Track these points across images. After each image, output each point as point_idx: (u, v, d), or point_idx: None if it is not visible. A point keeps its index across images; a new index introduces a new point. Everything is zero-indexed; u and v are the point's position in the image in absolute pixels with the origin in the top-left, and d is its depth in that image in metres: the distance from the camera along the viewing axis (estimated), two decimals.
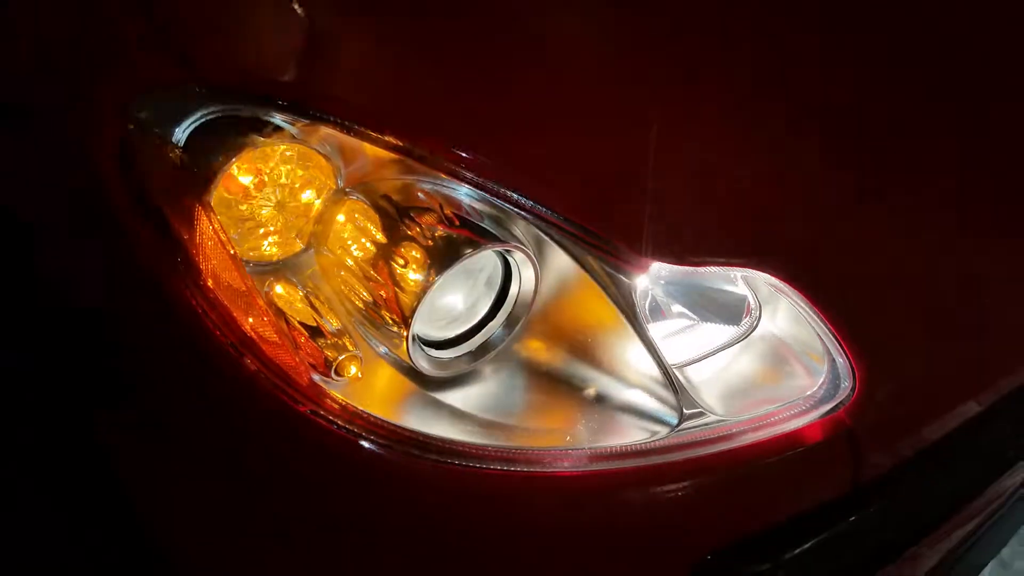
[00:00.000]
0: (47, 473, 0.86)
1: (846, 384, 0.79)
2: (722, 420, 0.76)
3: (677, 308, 0.79)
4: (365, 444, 0.68)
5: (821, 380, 0.80)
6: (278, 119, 0.68)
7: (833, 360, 0.80)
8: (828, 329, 0.78)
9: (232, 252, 0.67)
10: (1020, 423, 0.98)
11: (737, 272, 0.77)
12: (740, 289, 0.79)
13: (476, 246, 0.69)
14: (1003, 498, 1.19)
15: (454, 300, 0.75)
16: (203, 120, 0.66)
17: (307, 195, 0.71)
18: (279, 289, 0.72)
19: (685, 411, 0.75)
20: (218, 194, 0.67)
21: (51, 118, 0.68)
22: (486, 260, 0.74)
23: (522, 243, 0.72)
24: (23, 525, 0.91)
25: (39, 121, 0.70)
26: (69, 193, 0.69)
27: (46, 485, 0.87)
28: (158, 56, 0.67)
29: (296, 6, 0.75)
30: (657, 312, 0.78)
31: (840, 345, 0.79)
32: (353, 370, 0.70)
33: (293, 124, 0.68)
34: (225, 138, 0.66)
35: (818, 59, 0.92)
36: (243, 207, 0.69)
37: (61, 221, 0.71)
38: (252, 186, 0.69)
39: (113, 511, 0.80)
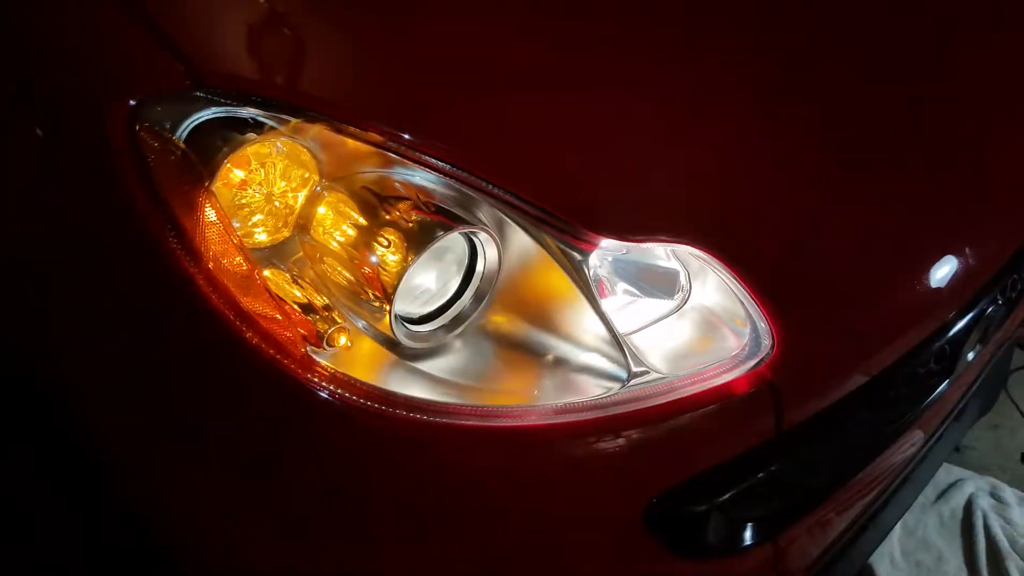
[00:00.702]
0: (52, 454, 0.91)
1: (766, 343, 0.90)
2: (664, 377, 0.87)
3: (622, 286, 0.91)
4: (357, 406, 0.76)
5: (745, 341, 0.91)
6: (269, 118, 0.77)
7: (754, 323, 0.92)
8: (749, 296, 0.91)
9: (233, 237, 0.75)
10: (916, 384, 1.13)
11: (670, 248, 0.89)
12: (674, 265, 0.91)
13: (448, 228, 0.79)
14: (906, 462, 1.34)
15: (426, 279, 0.85)
16: (203, 120, 0.74)
17: (294, 186, 0.80)
18: (269, 272, 0.80)
19: (633, 369, 0.85)
20: (217, 186, 0.75)
21: (70, 119, 0.75)
22: (454, 241, 0.84)
23: (486, 225, 0.82)
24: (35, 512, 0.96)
25: (58, 122, 0.76)
26: (85, 189, 0.75)
27: (51, 466, 0.92)
28: (163, 64, 0.74)
29: (285, 19, 0.85)
30: (606, 289, 0.89)
31: (759, 310, 0.91)
32: (343, 340, 0.78)
33: (283, 123, 0.77)
34: (223, 136, 0.74)
35: (745, 53, 1.06)
36: (238, 197, 0.77)
37: (79, 214, 0.77)
38: (247, 178, 0.77)
39: (113, 481, 0.86)
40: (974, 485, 1.90)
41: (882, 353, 1.02)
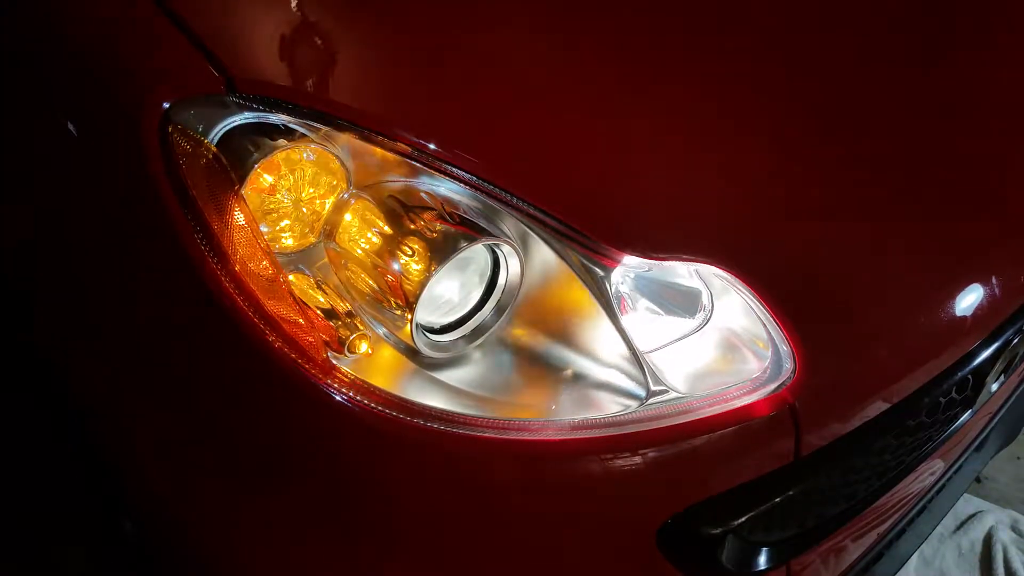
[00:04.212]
0: (71, 450, 0.92)
1: (788, 366, 0.90)
2: (683, 397, 0.87)
3: (644, 303, 0.90)
4: (376, 413, 0.76)
5: (766, 363, 0.91)
6: (300, 125, 0.77)
7: (776, 346, 0.91)
8: (771, 319, 0.90)
9: (261, 241, 0.75)
10: (938, 413, 1.12)
11: (693, 267, 0.89)
12: (696, 284, 0.91)
13: (472, 240, 0.79)
14: (924, 491, 1.33)
15: (449, 289, 0.85)
16: (235, 125, 0.75)
17: (322, 193, 0.81)
18: (294, 277, 0.80)
19: (652, 388, 0.85)
20: (247, 190, 0.75)
21: (104, 120, 0.77)
22: (477, 253, 0.84)
23: (510, 238, 0.82)
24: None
25: (92, 122, 0.78)
26: (117, 189, 0.77)
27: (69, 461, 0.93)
28: (197, 69, 0.76)
29: (318, 28, 0.86)
30: (627, 305, 0.89)
31: (782, 333, 0.90)
32: (364, 347, 0.78)
33: (313, 130, 0.78)
34: (255, 141, 0.75)
35: (774, 74, 1.06)
36: (267, 202, 0.78)
37: (109, 214, 0.79)
38: (276, 184, 0.78)
39: (133, 478, 0.87)
40: (994, 518, 1.87)
41: (904, 381, 1.01)
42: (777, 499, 0.91)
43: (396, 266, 0.79)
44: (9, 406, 1.07)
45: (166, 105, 0.74)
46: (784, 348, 0.90)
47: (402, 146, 0.80)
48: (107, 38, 0.78)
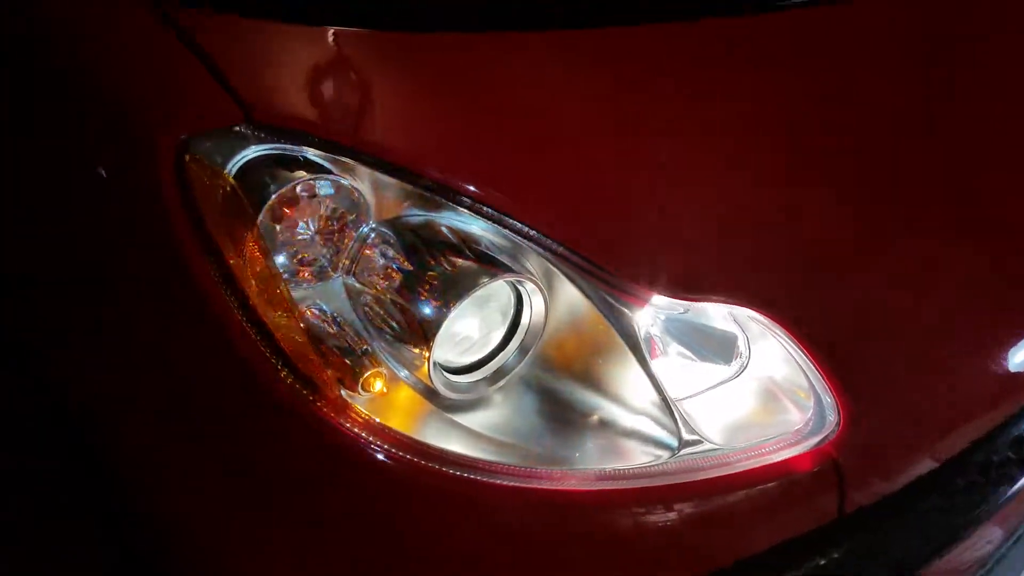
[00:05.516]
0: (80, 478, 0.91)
1: (831, 419, 0.85)
2: (718, 448, 0.82)
3: (675, 347, 0.86)
4: (389, 455, 0.73)
5: (809, 415, 0.85)
6: (320, 158, 0.76)
7: (819, 397, 0.86)
8: (814, 367, 0.85)
9: (275, 274, 0.73)
10: (991, 473, 1.05)
11: (728, 310, 0.85)
12: (732, 328, 0.86)
13: (492, 276, 0.76)
14: (980, 561, 1.24)
15: (469, 327, 0.81)
16: (254, 156, 0.74)
17: (341, 227, 0.78)
18: (310, 311, 0.78)
19: (685, 438, 0.80)
20: (264, 222, 0.74)
21: (122, 150, 0.77)
22: (499, 290, 0.81)
23: (533, 275, 0.79)
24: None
25: (110, 151, 0.77)
26: (134, 217, 0.76)
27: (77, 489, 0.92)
28: (216, 100, 0.75)
29: (337, 61, 0.85)
30: (657, 349, 0.84)
31: (825, 383, 0.85)
32: (378, 385, 0.75)
33: (334, 163, 0.76)
34: (273, 173, 0.74)
35: (809, 115, 1.03)
36: (284, 235, 0.76)
37: (125, 243, 0.78)
38: (294, 217, 0.76)
39: (143, 514, 0.84)
40: None
41: (954, 437, 0.95)
42: (820, 560, 0.85)
43: (414, 302, 0.76)
44: (9, 407, 1.06)
45: (184, 136, 0.73)
46: (827, 399, 0.85)
47: (423, 180, 0.78)
48: (127, 68, 0.78)
